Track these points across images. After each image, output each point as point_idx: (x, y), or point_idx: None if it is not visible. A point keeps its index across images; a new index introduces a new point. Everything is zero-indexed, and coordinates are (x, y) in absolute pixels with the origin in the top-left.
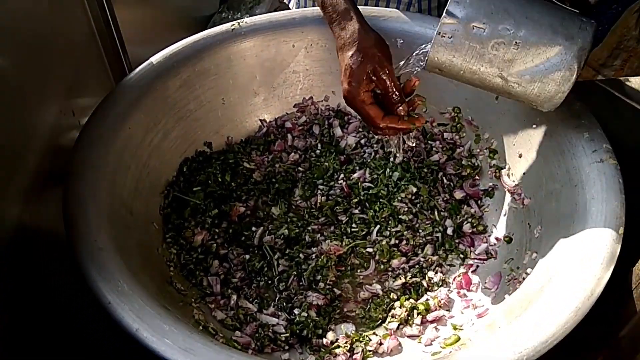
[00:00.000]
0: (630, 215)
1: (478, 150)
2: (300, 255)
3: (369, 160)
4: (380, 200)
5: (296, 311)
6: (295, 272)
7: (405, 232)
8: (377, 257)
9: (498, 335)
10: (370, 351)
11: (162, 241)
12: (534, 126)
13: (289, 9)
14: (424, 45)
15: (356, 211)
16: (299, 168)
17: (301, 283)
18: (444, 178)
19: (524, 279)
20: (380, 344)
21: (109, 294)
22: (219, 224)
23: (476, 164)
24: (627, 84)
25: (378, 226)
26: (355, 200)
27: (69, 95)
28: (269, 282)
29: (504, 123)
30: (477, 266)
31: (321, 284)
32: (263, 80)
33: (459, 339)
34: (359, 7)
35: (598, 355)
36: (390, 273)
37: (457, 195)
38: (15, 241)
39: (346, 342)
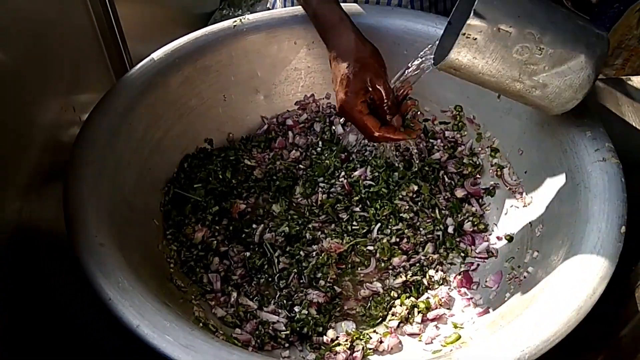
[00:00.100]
0: (632, 214)
1: (479, 148)
2: (301, 252)
3: (370, 158)
4: (382, 198)
5: (296, 309)
6: (295, 270)
7: (406, 231)
8: (377, 255)
9: (499, 334)
10: (370, 349)
11: (163, 238)
12: (536, 125)
13: None
14: (430, 46)
15: (357, 209)
16: (300, 165)
17: (301, 281)
18: (445, 176)
19: (525, 277)
20: (381, 342)
21: (109, 290)
22: (220, 221)
23: (477, 163)
24: (629, 82)
25: (379, 224)
26: (356, 198)
27: (70, 92)
28: (269, 279)
29: (506, 122)
30: (478, 265)
31: (322, 282)
32: (264, 77)
33: (459, 337)
34: (359, 4)
35: (598, 354)
36: (390, 271)
37: (458, 194)
38: (15, 237)
39: (346, 340)
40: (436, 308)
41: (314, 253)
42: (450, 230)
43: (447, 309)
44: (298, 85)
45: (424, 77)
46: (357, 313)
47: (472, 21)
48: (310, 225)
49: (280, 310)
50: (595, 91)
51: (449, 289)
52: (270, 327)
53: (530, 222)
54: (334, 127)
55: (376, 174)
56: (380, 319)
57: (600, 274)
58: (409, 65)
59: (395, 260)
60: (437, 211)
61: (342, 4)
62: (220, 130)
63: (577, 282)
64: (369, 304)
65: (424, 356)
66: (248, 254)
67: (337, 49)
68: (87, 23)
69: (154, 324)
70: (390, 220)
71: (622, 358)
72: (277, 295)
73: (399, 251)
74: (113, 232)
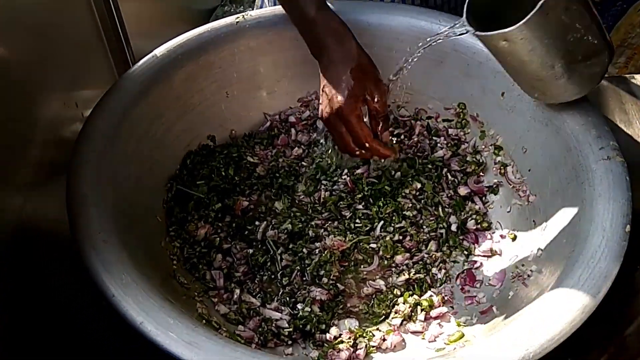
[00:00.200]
0: (637, 213)
1: (483, 146)
2: (304, 250)
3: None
4: (385, 196)
5: (299, 306)
6: (298, 267)
7: (409, 228)
8: (380, 252)
9: (503, 332)
10: (373, 347)
11: (166, 234)
12: (540, 123)
13: None
14: (460, 21)
15: (360, 206)
16: (303, 163)
17: (304, 278)
18: (448, 174)
19: (528, 276)
20: (384, 339)
21: (113, 286)
22: (223, 218)
23: (481, 161)
24: (632, 81)
25: (382, 222)
26: (359, 195)
27: (72, 87)
28: (272, 276)
29: (510, 119)
30: (481, 263)
31: (324, 279)
32: (267, 74)
33: (462, 335)
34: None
35: (603, 354)
36: (393, 269)
37: (461, 192)
38: (18, 234)
39: (350, 338)
40: (439, 306)
41: (317, 250)
42: (453, 228)
43: (451, 307)
44: (300, 82)
45: (427, 75)
46: (360, 311)
47: None
48: (313, 223)
49: (283, 308)
50: (599, 89)
51: (452, 287)
52: (273, 324)
53: (534, 221)
54: None
55: (379, 171)
56: (383, 316)
57: (605, 273)
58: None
59: (398, 258)
60: (440, 209)
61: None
62: (222, 127)
63: (582, 281)
64: (372, 302)
65: (427, 354)
66: (251, 251)
67: (337, 54)
68: (89, 19)
69: (158, 320)
70: (394, 218)
71: (627, 357)
72: (280, 293)
73: (402, 249)
74: (116, 228)
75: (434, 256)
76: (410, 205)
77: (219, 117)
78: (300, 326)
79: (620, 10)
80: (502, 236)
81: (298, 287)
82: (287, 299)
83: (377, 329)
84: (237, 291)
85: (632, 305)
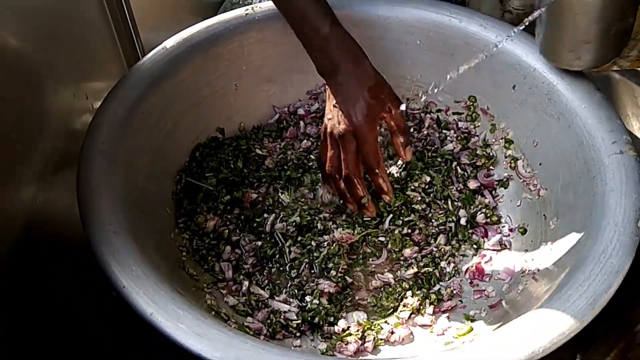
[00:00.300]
0: None
1: (493, 140)
2: (312, 242)
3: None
4: (393, 189)
5: (308, 298)
6: (307, 260)
7: (418, 222)
8: (389, 246)
9: (512, 327)
10: (382, 339)
11: (175, 226)
12: (551, 116)
13: None
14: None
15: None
16: (311, 156)
17: (313, 270)
18: (458, 168)
19: (538, 270)
20: (392, 332)
21: (123, 278)
22: (231, 210)
23: (491, 154)
24: None
25: (391, 215)
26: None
27: (82, 79)
28: (281, 268)
29: (521, 113)
30: (491, 257)
31: (333, 272)
32: (276, 66)
33: (471, 329)
34: None
35: (613, 349)
36: (402, 262)
37: (471, 185)
38: (29, 224)
39: (358, 330)
40: (448, 300)
41: (325, 243)
42: (462, 222)
43: (459, 300)
44: (309, 75)
45: (437, 67)
46: (368, 303)
47: None
48: (321, 216)
49: (291, 300)
50: (611, 82)
51: (461, 280)
52: (282, 316)
53: (544, 215)
54: None
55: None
56: (392, 309)
57: (616, 269)
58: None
59: (407, 252)
60: (449, 203)
61: None
62: (231, 120)
63: (592, 276)
64: (381, 295)
65: (436, 348)
66: (259, 243)
67: (353, 73)
68: (99, 11)
69: (168, 312)
70: (402, 211)
71: (637, 353)
72: (289, 285)
73: (411, 242)
74: (126, 220)
75: (442, 250)
76: (420, 198)
77: (228, 109)
78: (309, 318)
79: None
80: (511, 230)
81: (306, 280)
82: (296, 291)
83: (386, 322)
84: (246, 283)
85: None
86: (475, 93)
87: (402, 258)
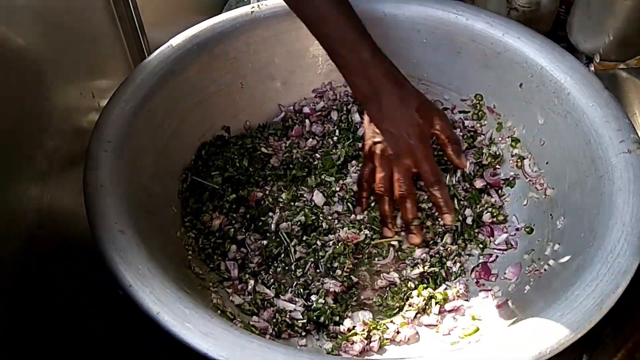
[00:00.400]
0: None
1: (500, 138)
2: (317, 242)
3: None
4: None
5: (313, 297)
6: (312, 259)
7: (425, 221)
8: (402, 246)
9: (519, 327)
10: (387, 339)
11: (181, 225)
12: (559, 115)
13: None
14: None
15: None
16: (316, 155)
17: (318, 270)
18: None
19: (545, 270)
20: (398, 332)
21: (130, 276)
22: (237, 209)
23: (497, 153)
24: None
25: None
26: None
27: (89, 78)
28: (286, 267)
29: (527, 111)
30: (497, 256)
31: (338, 271)
32: (282, 64)
33: (477, 329)
34: None
35: (620, 349)
36: (408, 262)
37: (477, 184)
38: (35, 222)
39: (363, 330)
40: (454, 299)
41: (331, 242)
42: (468, 221)
43: (465, 300)
44: (315, 73)
45: (444, 66)
46: (373, 303)
47: None
48: (326, 215)
49: (297, 299)
50: (618, 81)
51: (467, 280)
52: (287, 316)
53: (551, 214)
54: (351, 116)
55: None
56: (397, 309)
57: (624, 269)
58: None
59: (417, 252)
60: (455, 202)
61: None
62: (237, 118)
63: (599, 277)
64: (386, 294)
65: (442, 348)
66: (265, 242)
67: (398, 95)
68: (105, 9)
69: (174, 311)
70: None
71: None
72: (294, 284)
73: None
74: (132, 219)
75: (449, 249)
76: (426, 197)
77: (234, 107)
78: (314, 318)
79: None
80: (517, 229)
81: (312, 279)
82: (301, 290)
83: (391, 321)
84: (252, 282)
85: None
86: (482, 91)
87: (410, 258)
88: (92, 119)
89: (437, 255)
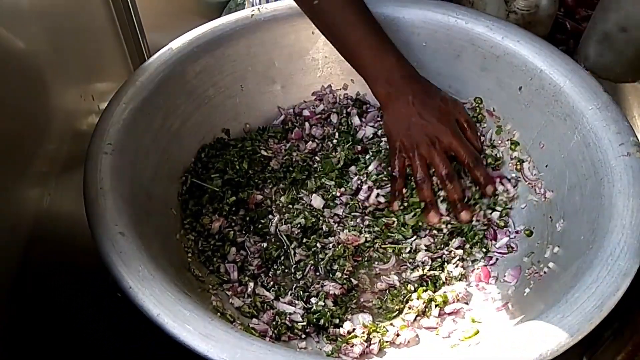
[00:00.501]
0: None
1: (499, 141)
2: (317, 244)
3: (383, 152)
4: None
5: (313, 300)
6: (312, 261)
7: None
8: (399, 252)
9: (519, 329)
10: (387, 342)
11: (181, 227)
12: (558, 118)
13: None
14: None
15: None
16: (316, 157)
17: (318, 272)
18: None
19: (545, 273)
20: (398, 335)
21: (129, 279)
22: (237, 212)
23: (497, 156)
24: None
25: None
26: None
27: (89, 80)
28: (286, 270)
29: (527, 114)
30: (497, 259)
31: (338, 274)
32: (282, 67)
33: (477, 332)
34: None
35: (621, 351)
36: (408, 264)
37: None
38: (35, 224)
39: (363, 333)
40: (454, 302)
41: (331, 245)
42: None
43: (465, 303)
44: (315, 76)
45: (443, 69)
46: (373, 306)
47: None
48: (327, 218)
49: (296, 302)
50: (618, 85)
51: (467, 283)
52: (287, 318)
53: (550, 217)
54: (350, 119)
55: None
56: (397, 312)
57: (624, 271)
58: None
59: (420, 255)
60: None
61: None
62: (237, 120)
63: (600, 279)
64: (386, 297)
65: (442, 350)
66: (265, 244)
67: (422, 90)
68: (105, 12)
69: (175, 313)
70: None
71: None
72: (294, 286)
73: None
74: (132, 221)
75: (453, 253)
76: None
77: (234, 110)
78: (314, 320)
79: None
80: (517, 232)
81: (312, 281)
82: (301, 292)
83: (391, 324)
84: (251, 284)
85: None
86: (481, 94)
87: (410, 260)
88: (92, 122)
89: (438, 259)
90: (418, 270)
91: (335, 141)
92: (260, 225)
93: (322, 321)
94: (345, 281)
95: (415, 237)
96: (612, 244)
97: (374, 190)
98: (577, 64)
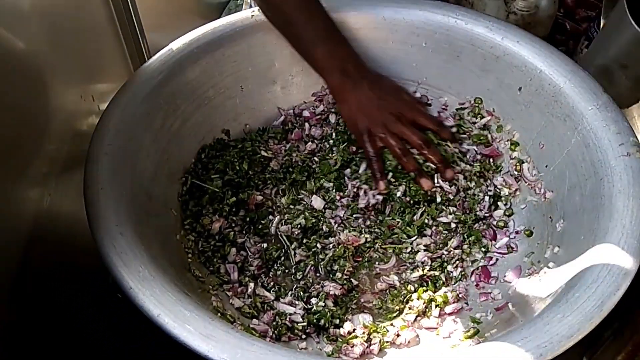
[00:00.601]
0: None
1: (499, 141)
2: (318, 245)
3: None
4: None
5: (313, 300)
6: (312, 262)
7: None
8: (400, 251)
9: (519, 329)
10: (387, 342)
11: (181, 228)
12: (558, 118)
13: None
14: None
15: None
16: (315, 158)
17: (318, 273)
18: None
19: (545, 273)
20: (398, 335)
21: (130, 279)
22: (237, 212)
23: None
24: None
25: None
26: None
27: (89, 81)
28: (286, 270)
29: (527, 115)
30: (497, 259)
31: (338, 274)
32: (282, 68)
33: (477, 332)
34: None
35: (621, 351)
36: (408, 264)
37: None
38: (35, 224)
39: (363, 333)
40: (454, 302)
41: (331, 245)
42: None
43: (465, 303)
44: (315, 77)
45: (444, 70)
46: (373, 306)
47: None
48: (327, 218)
49: (297, 302)
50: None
51: (467, 283)
52: (287, 319)
53: (550, 217)
54: None
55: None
56: (397, 312)
57: (624, 271)
58: None
59: (419, 255)
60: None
61: None
62: (237, 121)
63: (600, 279)
64: (386, 297)
65: (442, 350)
66: (265, 245)
67: (376, 76)
68: (105, 13)
69: (175, 313)
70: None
71: None
72: (294, 287)
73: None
74: (133, 221)
75: (452, 253)
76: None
77: (234, 111)
78: (314, 320)
79: None
80: (517, 232)
81: (312, 282)
82: (301, 293)
83: (391, 324)
84: (252, 285)
85: None
86: (481, 95)
87: (410, 260)
88: (92, 122)
89: (438, 260)
90: (418, 271)
91: (332, 141)
92: (260, 226)
93: (322, 321)
94: (345, 281)
95: (416, 236)
96: (612, 244)
97: (369, 192)
98: (577, 64)
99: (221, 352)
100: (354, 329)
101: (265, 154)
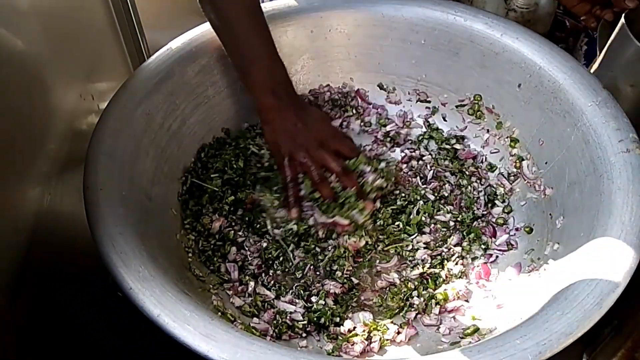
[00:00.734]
0: None
1: (498, 139)
2: (316, 248)
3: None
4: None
5: (313, 299)
6: (311, 262)
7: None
8: (401, 250)
9: (519, 327)
10: (387, 340)
11: (181, 227)
12: (557, 115)
13: None
14: None
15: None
16: None
17: (318, 272)
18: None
19: (545, 270)
20: (398, 332)
21: (130, 279)
22: (236, 211)
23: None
24: None
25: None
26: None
27: (88, 80)
28: (286, 269)
29: (526, 111)
30: (497, 257)
31: (338, 273)
32: None
33: (477, 329)
34: None
35: (620, 348)
36: (408, 262)
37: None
38: (35, 224)
39: (364, 331)
40: (454, 300)
41: (330, 247)
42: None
43: (465, 300)
44: (314, 74)
45: (443, 67)
46: (374, 304)
47: None
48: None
49: (297, 300)
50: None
51: (467, 281)
52: (288, 317)
53: (550, 214)
54: None
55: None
56: (398, 310)
57: (624, 268)
58: None
59: (420, 253)
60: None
61: None
62: (236, 120)
63: (600, 276)
64: (386, 295)
65: (442, 347)
66: (264, 244)
67: (303, 103)
68: (105, 12)
69: (175, 313)
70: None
71: None
72: (294, 286)
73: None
74: (132, 221)
75: (452, 251)
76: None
77: (233, 109)
78: (315, 319)
79: None
80: (517, 229)
81: (312, 280)
82: (301, 291)
83: (392, 322)
84: (252, 284)
85: None
86: (480, 91)
87: (410, 258)
88: (92, 122)
89: (438, 257)
90: (418, 268)
91: None
92: (258, 226)
93: (322, 320)
94: (345, 280)
95: (416, 234)
96: (611, 240)
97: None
98: (576, 61)
99: (221, 351)
100: (354, 327)
101: (254, 150)
